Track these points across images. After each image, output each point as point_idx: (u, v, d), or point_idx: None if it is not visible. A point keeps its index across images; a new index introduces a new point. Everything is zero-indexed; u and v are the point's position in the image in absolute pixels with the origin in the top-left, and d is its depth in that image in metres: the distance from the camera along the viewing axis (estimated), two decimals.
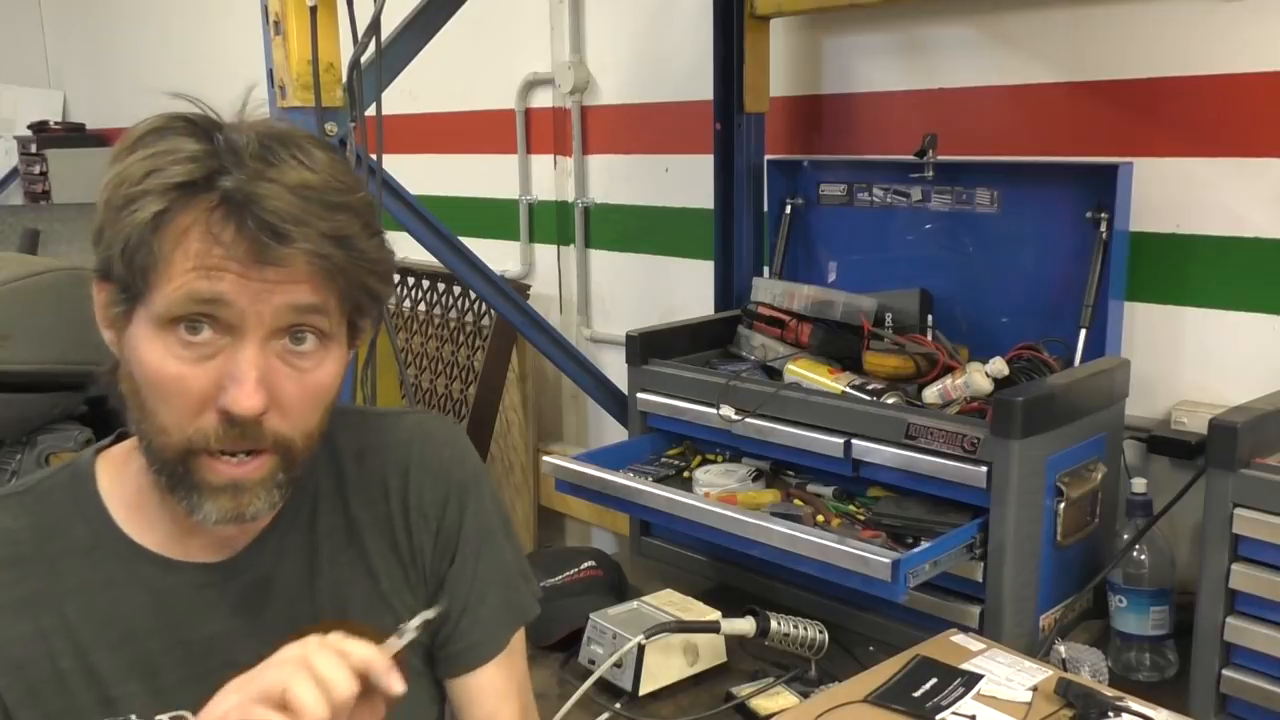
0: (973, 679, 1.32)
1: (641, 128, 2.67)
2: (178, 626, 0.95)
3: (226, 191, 0.83)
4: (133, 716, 0.93)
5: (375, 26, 1.65)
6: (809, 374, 1.86)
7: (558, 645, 1.69)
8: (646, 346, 2.01)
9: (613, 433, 2.41)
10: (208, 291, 0.83)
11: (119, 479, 0.98)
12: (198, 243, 0.83)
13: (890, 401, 1.73)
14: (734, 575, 1.90)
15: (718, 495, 1.79)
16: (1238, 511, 1.35)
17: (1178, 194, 1.79)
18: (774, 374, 1.97)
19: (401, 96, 2.30)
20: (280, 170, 0.84)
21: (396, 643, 0.87)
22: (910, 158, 1.91)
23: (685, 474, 1.93)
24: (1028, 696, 1.28)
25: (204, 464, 0.88)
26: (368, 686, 0.81)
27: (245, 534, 0.98)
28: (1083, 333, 1.74)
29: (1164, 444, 1.79)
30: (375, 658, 0.81)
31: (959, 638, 1.43)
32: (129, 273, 0.84)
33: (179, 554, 0.96)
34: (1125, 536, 1.58)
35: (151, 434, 0.88)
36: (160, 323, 0.85)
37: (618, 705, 1.53)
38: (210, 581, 0.96)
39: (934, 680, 1.32)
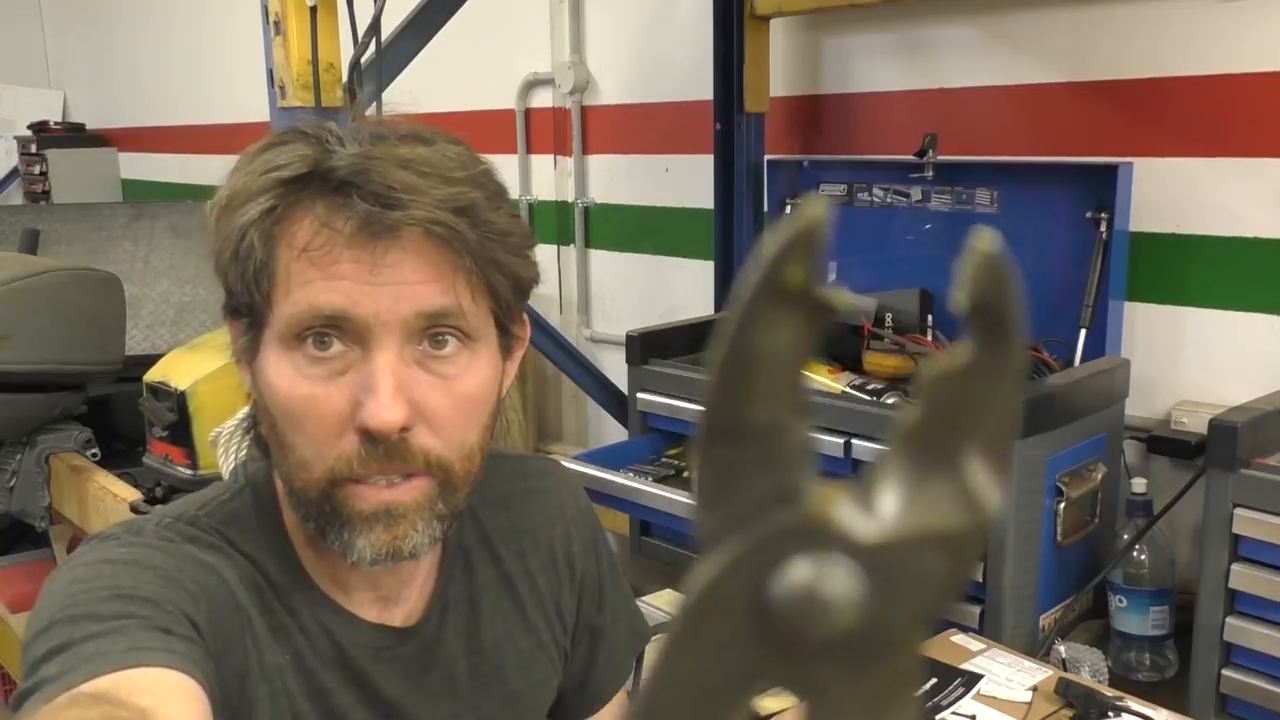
0: (973, 679, 1.32)
1: (641, 128, 2.67)
2: (362, 685, 0.86)
3: (334, 175, 0.74)
4: None
5: (375, 26, 1.65)
6: (809, 374, 1.86)
7: None
8: (646, 346, 2.00)
9: (613, 433, 2.41)
10: (326, 305, 0.74)
11: None
12: (306, 231, 0.75)
13: (890, 401, 1.73)
14: None
15: None
16: (1238, 511, 1.34)
17: (1178, 194, 1.79)
18: None
19: (401, 96, 2.30)
20: (389, 148, 0.75)
21: None
22: (910, 158, 1.91)
23: (685, 474, 1.92)
24: (1028, 696, 1.28)
25: (350, 492, 0.77)
26: None
27: (410, 587, 0.89)
28: (1083, 333, 1.74)
29: (1164, 444, 1.78)
30: None
31: (959, 638, 1.43)
32: (243, 285, 0.77)
33: (354, 606, 0.87)
34: (1125, 536, 1.57)
35: (293, 474, 0.78)
36: (285, 341, 0.76)
37: None
38: (387, 644, 0.88)
39: (934, 680, 1.32)
